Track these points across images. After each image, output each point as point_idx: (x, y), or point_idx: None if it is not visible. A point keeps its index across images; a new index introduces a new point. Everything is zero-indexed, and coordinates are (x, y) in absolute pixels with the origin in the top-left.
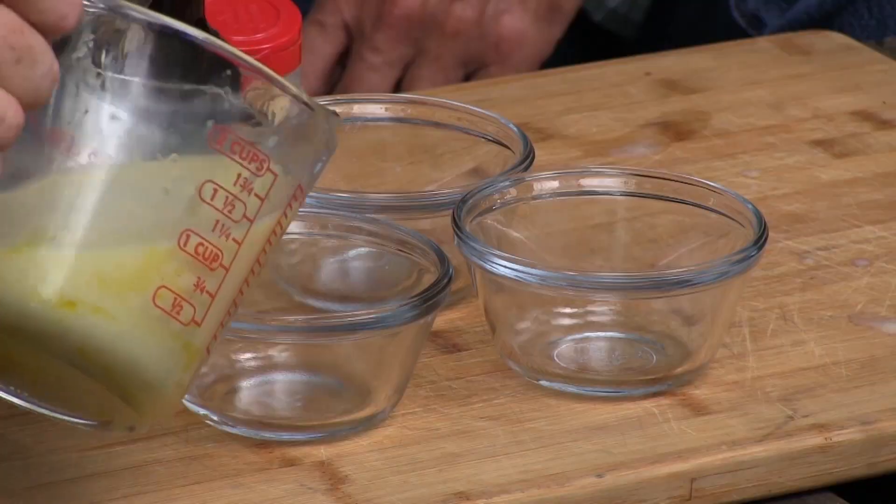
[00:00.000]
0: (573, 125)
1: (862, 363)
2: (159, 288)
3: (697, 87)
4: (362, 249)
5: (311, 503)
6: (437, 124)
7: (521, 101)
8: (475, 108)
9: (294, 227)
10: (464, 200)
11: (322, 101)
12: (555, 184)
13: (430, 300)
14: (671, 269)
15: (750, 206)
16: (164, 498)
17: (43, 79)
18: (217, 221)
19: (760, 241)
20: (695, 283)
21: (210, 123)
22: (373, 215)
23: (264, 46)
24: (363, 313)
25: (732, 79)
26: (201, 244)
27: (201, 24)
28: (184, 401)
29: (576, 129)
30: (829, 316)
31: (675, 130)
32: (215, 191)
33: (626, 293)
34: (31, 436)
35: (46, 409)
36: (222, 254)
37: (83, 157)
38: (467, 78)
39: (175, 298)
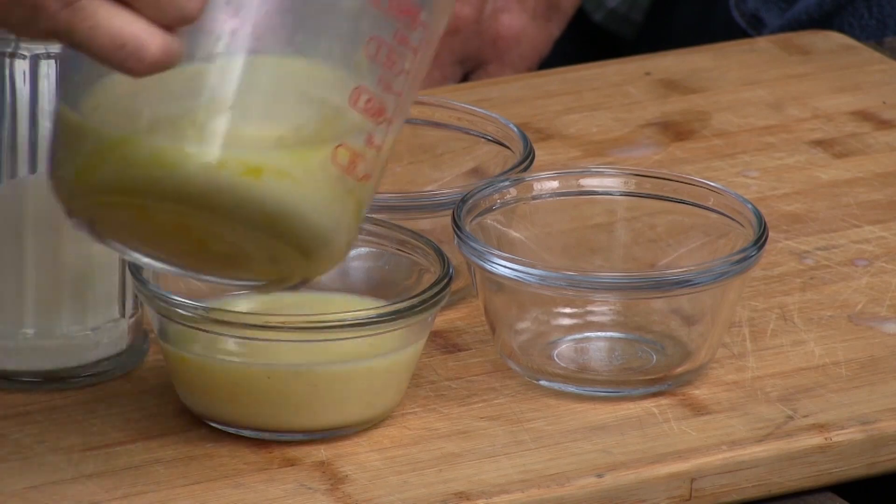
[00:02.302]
0: (573, 125)
1: (862, 363)
2: (337, 147)
3: (697, 87)
4: (362, 249)
5: (311, 503)
6: (437, 124)
7: (521, 101)
8: (475, 108)
9: None
10: (463, 200)
11: None
12: (555, 184)
13: (429, 300)
14: (671, 269)
15: (750, 206)
16: (164, 498)
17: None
18: (381, 76)
19: (760, 241)
20: (695, 283)
21: None
22: (373, 215)
23: None
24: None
25: (732, 79)
26: (370, 100)
27: None
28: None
29: (575, 129)
30: (828, 316)
31: (674, 130)
32: (379, 46)
33: (626, 293)
34: (31, 436)
35: (212, 277)
36: (386, 107)
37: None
38: (465, 76)
39: (351, 155)
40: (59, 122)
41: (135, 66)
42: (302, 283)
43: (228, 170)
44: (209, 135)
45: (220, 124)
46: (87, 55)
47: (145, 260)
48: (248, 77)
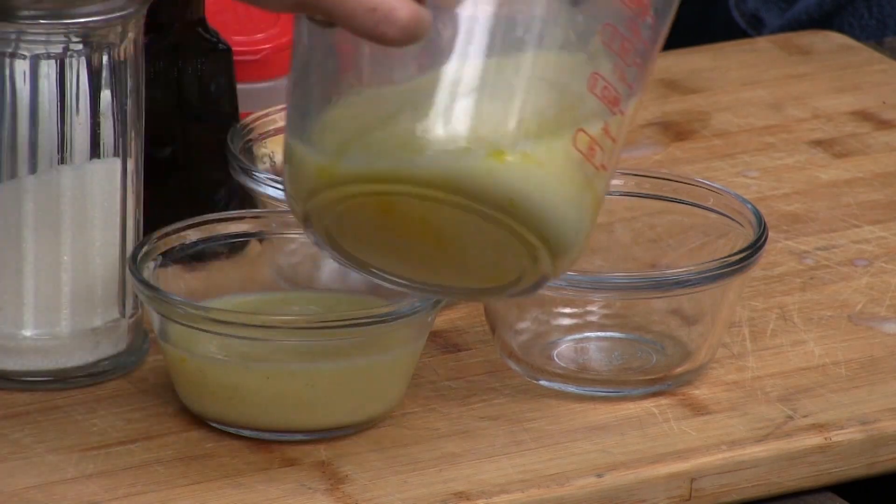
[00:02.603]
0: None
1: (861, 363)
2: (577, 131)
3: (697, 87)
4: None
5: (311, 503)
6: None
7: None
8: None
9: (294, 227)
10: None
11: None
12: None
13: (430, 300)
14: (671, 269)
15: (749, 206)
16: (164, 498)
17: None
18: (615, 64)
19: (760, 241)
20: (695, 283)
21: None
22: None
23: (264, 46)
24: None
25: (732, 79)
26: (606, 87)
27: (201, 23)
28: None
29: None
30: (828, 316)
31: (675, 130)
32: (613, 34)
33: (626, 293)
34: (31, 436)
35: (446, 288)
36: (621, 97)
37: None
38: None
39: (590, 141)
40: (294, 141)
41: (387, 30)
42: (536, 286)
43: (473, 153)
44: (453, 118)
45: (463, 108)
46: (338, 22)
47: (379, 275)
48: (489, 62)
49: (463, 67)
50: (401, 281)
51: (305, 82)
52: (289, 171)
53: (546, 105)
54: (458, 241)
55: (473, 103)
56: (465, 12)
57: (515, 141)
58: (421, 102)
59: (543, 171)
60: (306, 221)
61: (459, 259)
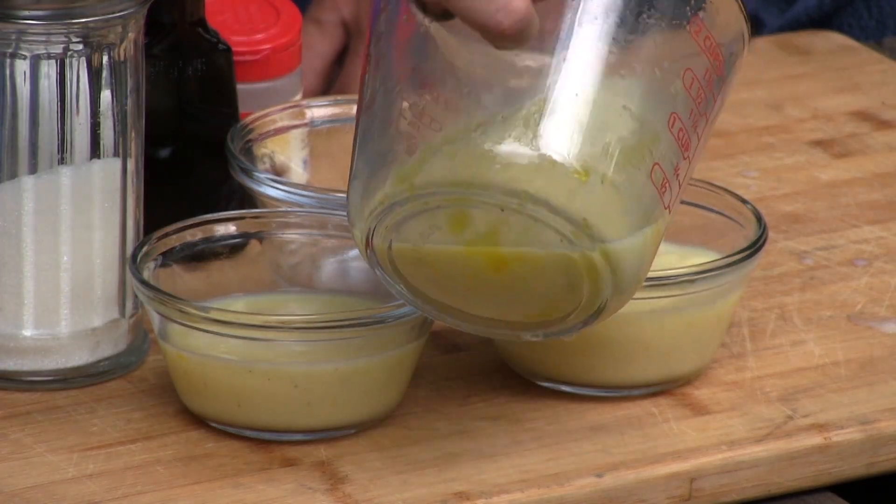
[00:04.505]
0: None
1: (861, 363)
2: (654, 165)
3: None
4: None
5: (311, 503)
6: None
7: None
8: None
9: (294, 227)
10: None
11: (321, 101)
12: None
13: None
14: (671, 269)
15: (749, 207)
16: (164, 498)
17: None
18: (692, 110)
19: (760, 241)
20: (695, 283)
21: (689, 13)
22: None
23: (264, 47)
24: None
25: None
26: (682, 130)
27: (201, 23)
28: None
29: None
30: (828, 316)
31: None
32: (693, 80)
33: None
34: (31, 436)
35: (503, 319)
36: (691, 143)
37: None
38: None
39: (664, 178)
40: (369, 154)
41: (504, 19)
42: (583, 324)
43: (559, 169)
44: (540, 134)
45: (551, 126)
46: (456, 9)
47: (429, 306)
48: (577, 85)
49: (553, 87)
50: (450, 311)
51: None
52: (358, 186)
53: (628, 133)
54: (521, 265)
55: (564, 122)
56: (563, 30)
57: (599, 163)
58: (510, 117)
59: (619, 196)
60: (368, 241)
61: (516, 290)
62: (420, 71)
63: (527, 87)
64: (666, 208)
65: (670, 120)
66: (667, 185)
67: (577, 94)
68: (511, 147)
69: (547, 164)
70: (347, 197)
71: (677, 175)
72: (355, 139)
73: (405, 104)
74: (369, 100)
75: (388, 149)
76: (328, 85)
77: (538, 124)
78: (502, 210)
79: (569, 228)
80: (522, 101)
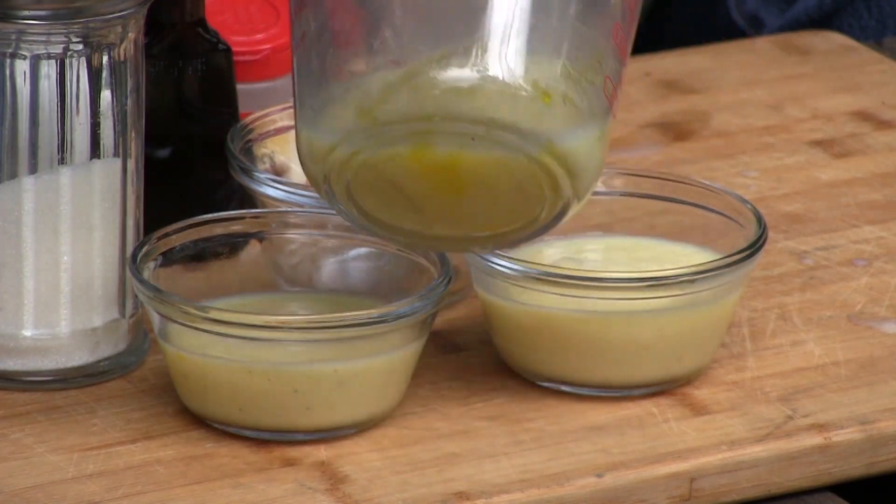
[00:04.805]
0: None
1: (861, 363)
2: (605, 79)
3: (697, 87)
4: (362, 249)
5: (311, 503)
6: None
7: None
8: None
9: (294, 227)
10: None
11: None
12: None
13: (429, 300)
14: (671, 269)
15: (749, 207)
16: (164, 498)
17: None
18: (625, 16)
19: (760, 241)
20: (695, 283)
21: None
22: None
23: (264, 47)
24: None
25: (731, 79)
26: (623, 38)
27: (201, 23)
28: None
29: None
30: (828, 316)
31: (674, 130)
32: None
33: (626, 293)
34: (31, 436)
35: (458, 238)
36: (627, 48)
37: None
38: None
39: (613, 89)
40: (327, 92)
41: None
42: (556, 219)
43: (524, 94)
44: (505, 61)
45: (514, 51)
46: None
47: (397, 234)
48: (532, 10)
49: (511, 12)
50: (420, 237)
51: (326, 39)
52: (315, 124)
53: (583, 51)
54: (485, 182)
55: (524, 47)
56: None
57: (559, 84)
58: (469, 46)
59: (577, 113)
60: (325, 182)
61: (483, 202)
62: (372, 4)
63: (484, 16)
64: (613, 115)
65: (614, 30)
66: (616, 93)
67: (534, 18)
68: (470, 74)
69: (511, 91)
70: (297, 137)
71: (620, 85)
72: (297, 75)
73: (357, 39)
74: (314, 35)
75: (345, 86)
76: None
77: (500, 52)
78: (473, 140)
79: (537, 150)
80: (481, 31)
